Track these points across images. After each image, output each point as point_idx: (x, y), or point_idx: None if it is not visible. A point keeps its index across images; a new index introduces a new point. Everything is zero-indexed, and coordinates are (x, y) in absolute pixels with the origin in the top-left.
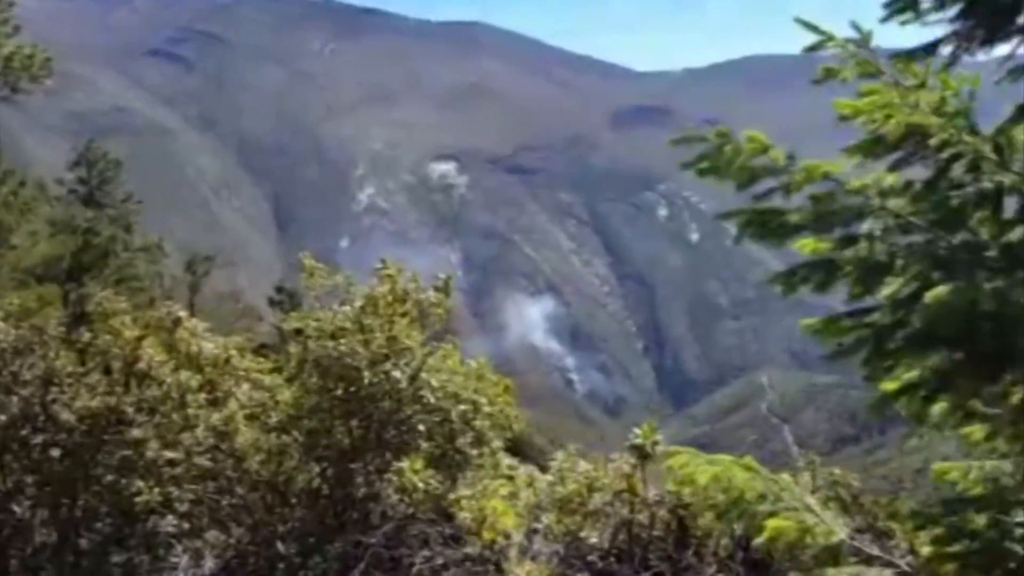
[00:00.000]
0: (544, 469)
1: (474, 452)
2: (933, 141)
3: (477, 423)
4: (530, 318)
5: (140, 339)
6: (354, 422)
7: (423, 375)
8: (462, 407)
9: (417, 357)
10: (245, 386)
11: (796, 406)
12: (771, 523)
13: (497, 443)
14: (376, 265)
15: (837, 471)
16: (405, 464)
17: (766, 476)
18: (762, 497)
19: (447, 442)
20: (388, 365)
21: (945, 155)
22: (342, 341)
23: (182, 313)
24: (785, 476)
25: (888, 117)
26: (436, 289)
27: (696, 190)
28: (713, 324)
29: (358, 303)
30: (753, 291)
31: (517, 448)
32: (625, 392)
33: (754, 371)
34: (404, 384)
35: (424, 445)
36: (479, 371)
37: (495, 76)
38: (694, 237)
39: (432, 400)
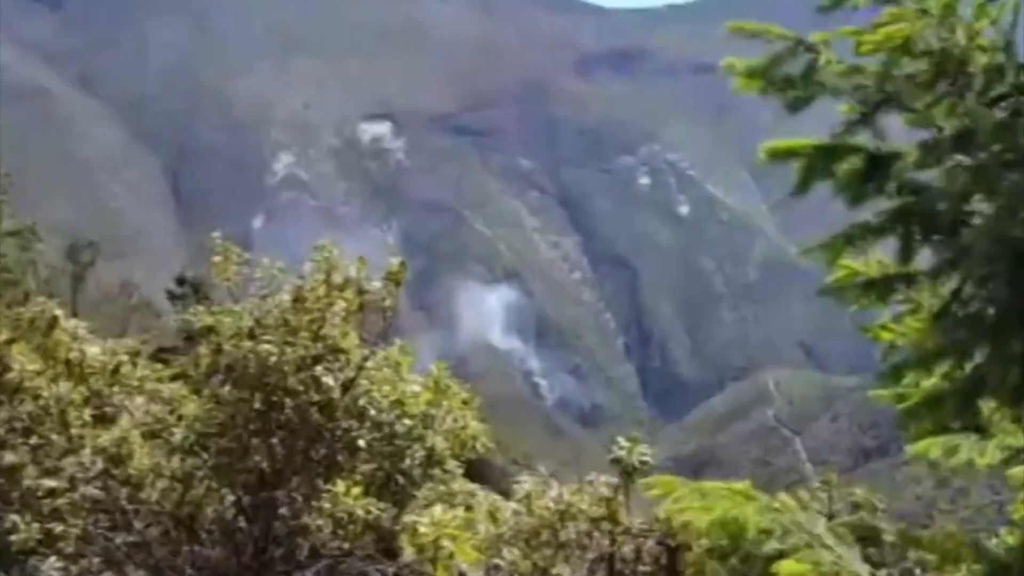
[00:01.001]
0: (508, 494)
1: (425, 474)
2: (977, 80)
3: (429, 440)
4: (486, 311)
5: (9, 343)
6: (276, 439)
7: (362, 382)
8: (410, 421)
9: (354, 360)
10: (140, 399)
11: (810, 413)
12: (781, 568)
13: (453, 464)
14: (306, 249)
15: (859, 492)
16: (339, 489)
17: (771, 505)
18: (767, 532)
19: (392, 463)
20: (319, 370)
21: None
22: (262, 342)
23: (59, 311)
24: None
25: (916, 52)
26: (387, 278)
27: (686, 151)
28: (708, 315)
29: (285, 296)
30: (756, 272)
31: (474, 469)
32: (603, 399)
33: (758, 371)
34: (338, 393)
35: (364, 467)
36: (435, 378)
37: (436, 16)
38: (683, 210)
39: (374, 412)
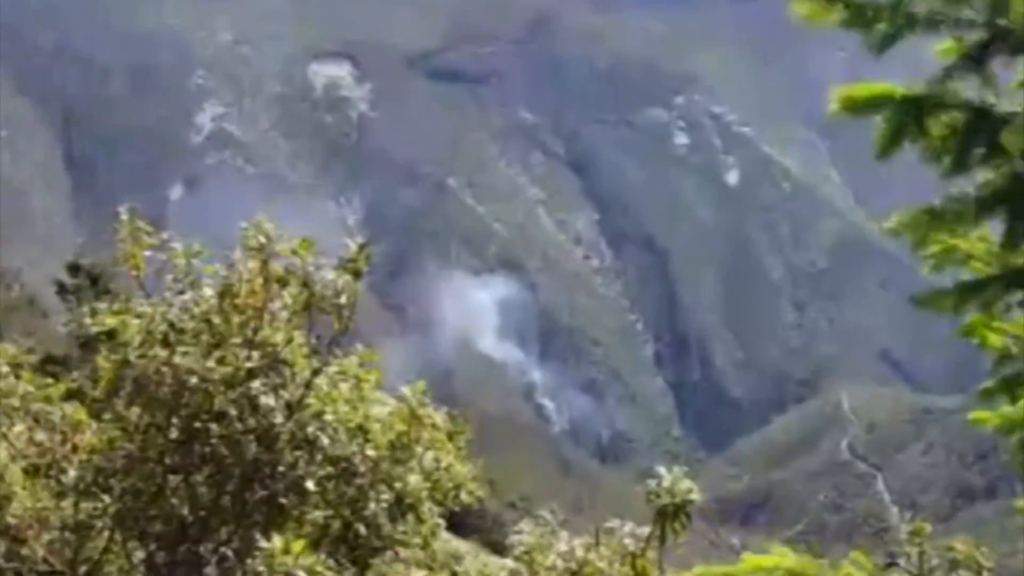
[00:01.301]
0: (503, 549)
1: (395, 527)
2: None
3: (400, 479)
4: (476, 310)
5: None
6: (200, 478)
7: (312, 403)
8: (374, 453)
9: (302, 375)
10: (21, 424)
11: (896, 442)
12: None
13: (432, 510)
14: (239, 228)
15: (960, 545)
16: (279, 545)
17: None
18: None
19: (351, 509)
20: (256, 387)
21: None
22: (181, 351)
23: None
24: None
25: None
26: (342, 267)
27: (733, 102)
28: (763, 314)
29: (210, 291)
30: (825, 258)
31: (460, 517)
32: (626, 425)
33: (828, 388)
34: (281, 417)
35: (314, 514)
36: (409, 401)
37: None
38: (731, 177)
39: (327, 442)
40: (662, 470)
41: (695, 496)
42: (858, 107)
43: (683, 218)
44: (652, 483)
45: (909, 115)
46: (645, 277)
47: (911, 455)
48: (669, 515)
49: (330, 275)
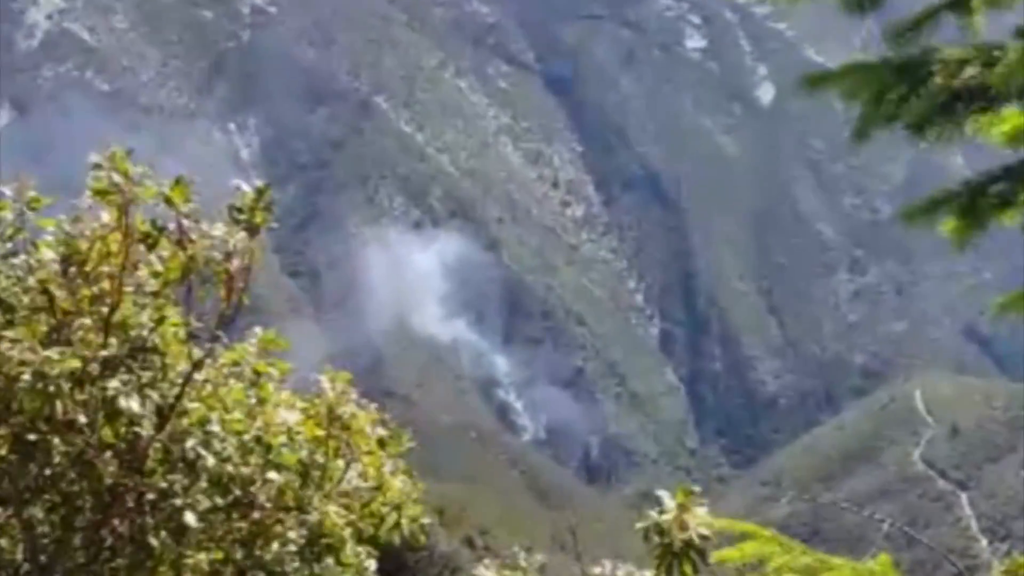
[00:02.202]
0: None
1: (307, 570)
2: None
3: (316, 513)
4: (415, 276)
5: None
6: (39, 510)
7: (192, 407)
8: (278, 476)
9: (177, 368)
10: None
11: (987, 450)
12: None
13: (359, 554)
14: (90, 163)
15: None
16: None
17: None
18: None
19: (248, 552)
20: (114, 387)
21: None
22: (10, 336)
23: None
24: None
25: None
26: (232, 220)
27: None
28: (809, 282)
29: (48, 253)
30: (892, 206)
31: (397, 559)
32: (624, 431)
33: (896, 380)
34: (150, 427)
35: (197, 556)
36: (326, 400)
37: None
38: (764, 93)
39: (212, 462)
40: (664, 494)
41: (707, 531)
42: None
43: (699, 151)
44: (652, 513)
45: None
46: (648, 232)
47: (1007, 468)
48: (676, 557)
49: (216, 231)
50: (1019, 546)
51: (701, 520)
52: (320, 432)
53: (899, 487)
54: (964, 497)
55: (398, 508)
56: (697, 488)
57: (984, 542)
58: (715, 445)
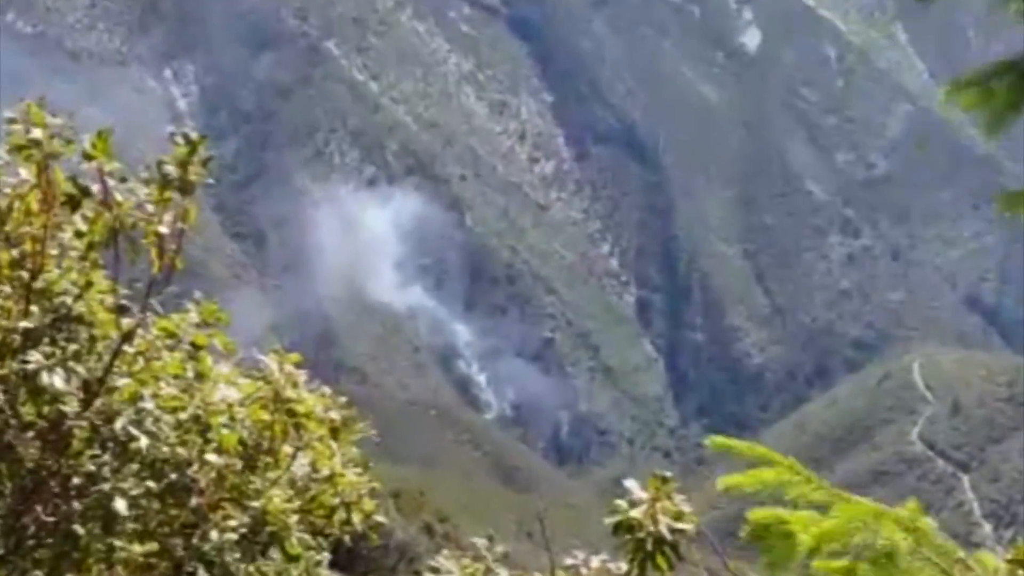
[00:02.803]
0: None
1: (252, 566)
2: None
3: (260, 500)
4: (369, 238)
5: None
6: None
7: (122, 383)
8: (217, 459)
9: (106, 339)
10: None
11: (990, 428)
12: None
13: (307, 544)
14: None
15: None
16: None
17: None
18: None
19: (186, 542)
20: (37, 359)
21: None
22: None
23: None
24: None
25: None
26: (165, 176)
27: None
28: (798, 246)
29: None
30: (889, 162)
31: (351, 551)
32: (597, 409)
33: (892, 352)
34: (76, 404)
35: (131, 548)
36: (278, 376)
37: None
38: (750, 39)
39: (146, 443)
40: (631, 484)
41: (689, 522)
42: None
43: (679, 102)
44: (620, 503)
45: None
46: (623, 191)
47: (1012, 448)
48: (649, 554)
49: (146, 189)
50: None
51: (675, 511)
52: (266, 416)
53: (896, 469)
54: (966, 480)
55: (348, 505)
56: (669, 473)
57: (988, 528)
58: (696, 424)
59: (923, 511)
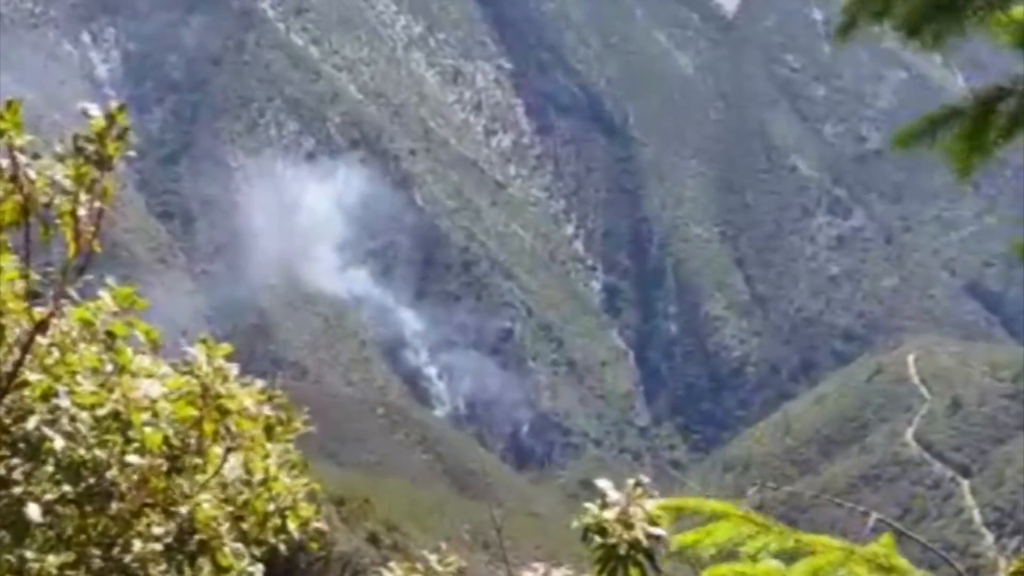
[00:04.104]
0: None
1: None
2: None
3: (188, 506)
4: (309, 218)
5: None
6: None
7: (34, 378)
8: (138, 459)
9: (16, 330)
10: None
11: (992, 428)
12: None
13: (240, 555)
14: None
15: None
16: None
17: None
18: None
19: (105, 552)
20: None
21: None
22: None
23: None
24: None
25: None
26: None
27: None
28: (783, 229)
29: None
30: (881, 135)
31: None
32: (561, 407)
33: (884, 345)
34: None
35: (46, 560)
36: (206, 369)
37: None
38: (729, 3)
39: (60, 444)
40: (605, 484)
41: (661, 530)
42: None
43: (650, 71)
44: (591, 507)
45: None
46: (590, 167)
47: (1016, 449)
48: (620, 561)
49: (60, 166)
50: None
51: (650, 515)
52: (193, 413)
53: (889, 473)
54: (966, 484)
55: (284, 511)
56: (645, 478)
57: (989, 537)
58: (669, 423)
59: (895, 549)
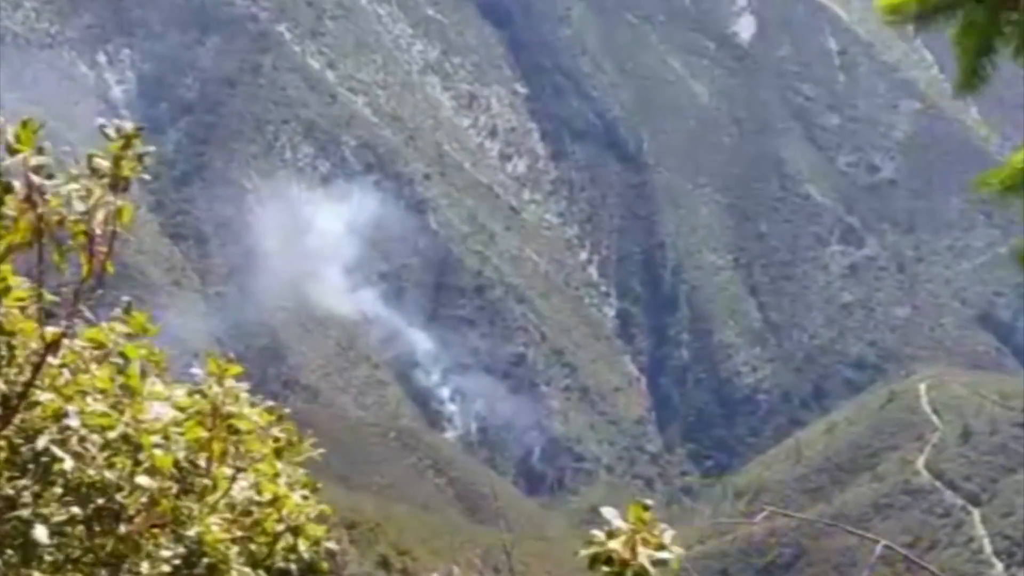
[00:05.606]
0: None
1: None
2: None
3: (197, 528)
4: (321, 241)
5: None
6: None
7: (44, 398)
8: (150, 482)
9: (25, 350)
10: None
11: (1004, 458)
12: None
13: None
14: None
15: None
16: None
17: None
18: None
19: (109, 572)
20: None
21: None
22: None
23: None
24: None
25: None
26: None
27: None
28: (796, 256)
29: None
30: (895, 165)
31: None
32: (573, 432)
33: (897, 373)
34: None
35: None
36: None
37: None
38: (743, 30)
39: (71, 466)
40: (610, 513)
41: (674, 553)
42: None
43: (665, 97)
44: (597, 534)
45: None
46: (604, 193)
47: None
48: None
49: (74, 185)
50: None
51: (658, 541)
52: (203, 433)
53: (900, 502)
54: (976, 514)
55: (294, 530)
56: (650, 502)
57: (999, 566)
58: (681, 450)
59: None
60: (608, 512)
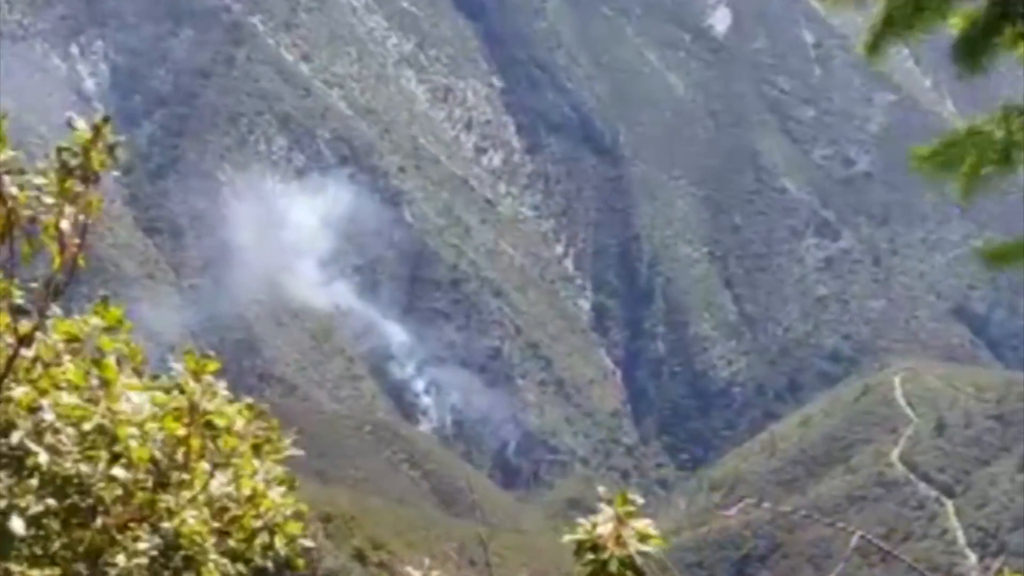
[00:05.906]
0: None
1: None
2: None
3: (173, 521)
4: (297, 234)
5: None
6: None
7: (17, 392)
8: (125, 473)
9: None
10: None
11: (977, 450)
12: None
13: (225, 570)
14: None
15: None
16: None
17: None
18: None
19: (90, 566)
20: None
21: None
22: None
23: None
24: None
25: None
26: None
27: None
28: (770, 250)
29: None
30: (870, 158)
31: None
32: (548, 425)
33: (871, 366)
34: None
35: (31, 574)
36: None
37: None
38: (718, 23)
39: (44, 459)
40: (602, 494)
41: (653, 544)
42: None
43: (641, 90)
44: (583, 523)
45: None
46: (580, 186)
47: (1000, 471)
48: (612, 573)
49: (42, 179)
50: (1013, 562)
51: (642, 532)
52: (180, 430)
53: (874, 494)
54: (950, 505)
55: (271, 528)
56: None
57: (973, 558)
58: (656, 443)
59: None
60: (602, 490)
